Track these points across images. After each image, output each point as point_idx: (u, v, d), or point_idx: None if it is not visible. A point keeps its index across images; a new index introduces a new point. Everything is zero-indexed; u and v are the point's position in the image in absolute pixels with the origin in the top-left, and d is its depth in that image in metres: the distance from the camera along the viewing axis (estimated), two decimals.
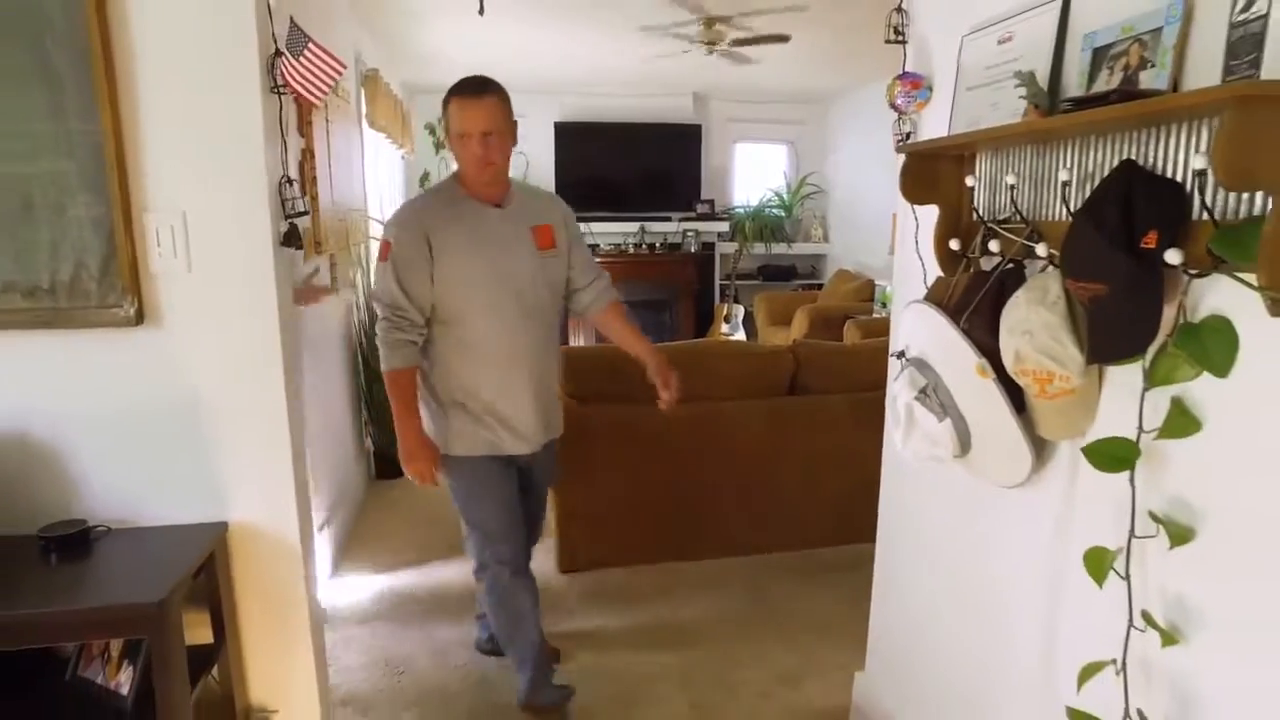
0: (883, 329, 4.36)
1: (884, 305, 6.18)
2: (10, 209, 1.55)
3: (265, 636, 1.78)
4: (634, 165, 7.37)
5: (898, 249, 2.01)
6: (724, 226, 7.64)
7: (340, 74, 1.63)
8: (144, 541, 1.64)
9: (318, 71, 1.57)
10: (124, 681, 1.54)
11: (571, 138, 7.26)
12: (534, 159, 7.03)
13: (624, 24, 4.93)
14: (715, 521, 3.31)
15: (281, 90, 1.63)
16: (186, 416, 1.66)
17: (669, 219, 7.46)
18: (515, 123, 2.03)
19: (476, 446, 2.10)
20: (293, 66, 1.57)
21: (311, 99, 1.59)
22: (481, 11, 3.77)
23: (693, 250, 7.54)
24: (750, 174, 7.99)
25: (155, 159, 1.59)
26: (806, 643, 2.69)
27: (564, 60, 6.02)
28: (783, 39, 4.65)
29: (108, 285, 1.59)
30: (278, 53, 1.63)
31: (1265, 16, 0.88)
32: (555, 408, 2.25)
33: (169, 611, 1.40)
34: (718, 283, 7.81)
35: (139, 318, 1.61)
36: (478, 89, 1.95)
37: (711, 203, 7.66)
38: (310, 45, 1.56)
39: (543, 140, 7.11)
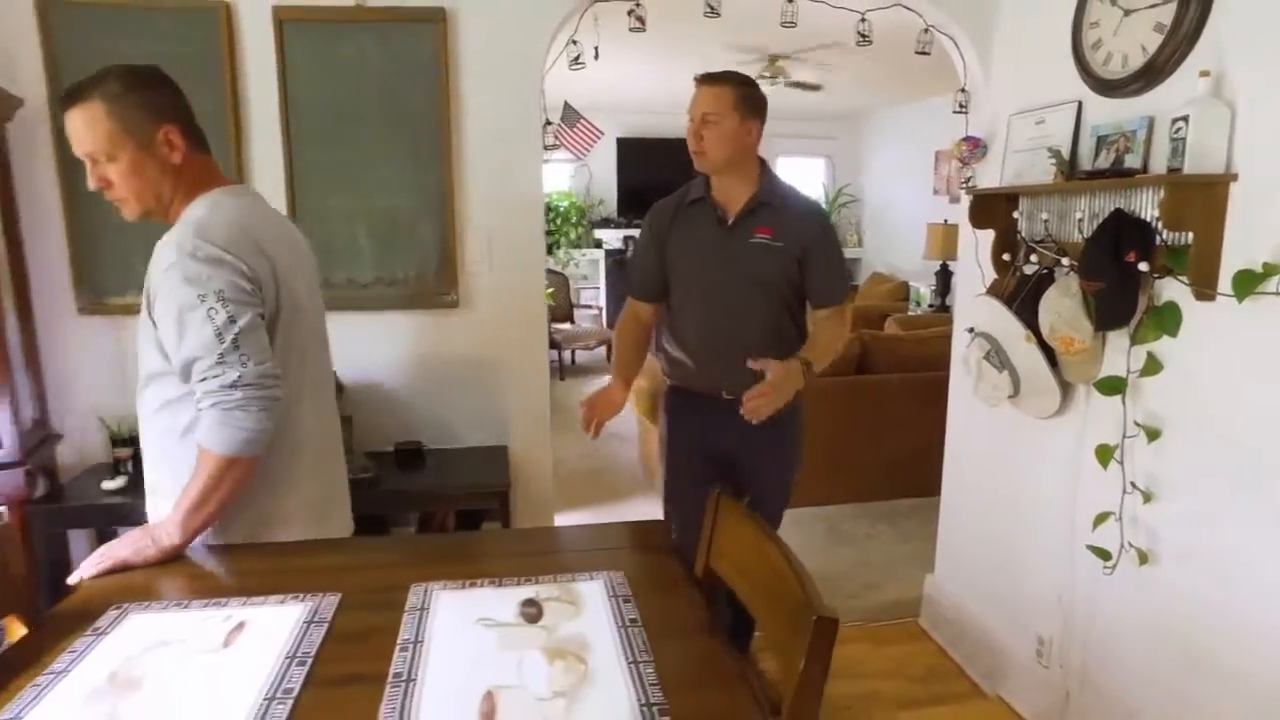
0: (921, 325, 5.12)
1: (918, 304, 6.94)
2: (385, 228, 2.37)
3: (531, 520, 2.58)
4: (689, 176, 8.14)
5: (961, 259, 2.77)
6: None
7: (599, 138, 2.44)
8: (457, 457, 2.44)
9: (585, 137, 2.37)
10: None
11: (632, 151, 8.05)
12: (598, 171, 7.85)
13: (694, 61, 5.72)
14: (798, 479, 4.08)
15: (551, 148, 2.43)
16: (484, 371, 2.47)
17: None
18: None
19: None
20: (568, 133, 2.37)
21: (579, 154, 2.39)
22: (597, 56, 4.58)
23: None
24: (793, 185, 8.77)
25: (473, 195, 2.40)
26: (881, 563, 3.46)
27: (626, 84, 6.81)
28: (815, 88, 5.43)
29: (441, 280, 2.41)
30: (547, 122, 2.43)
31: (1184, 138, 1.66)
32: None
33: (509, 490, 2.20)
34: None
35: (457, 303, 2.42)
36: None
37: None
38: (581, 119, 2.37)
39: (607, 154, 7.91)
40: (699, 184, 2.09)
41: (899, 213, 8.04)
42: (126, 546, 1.40)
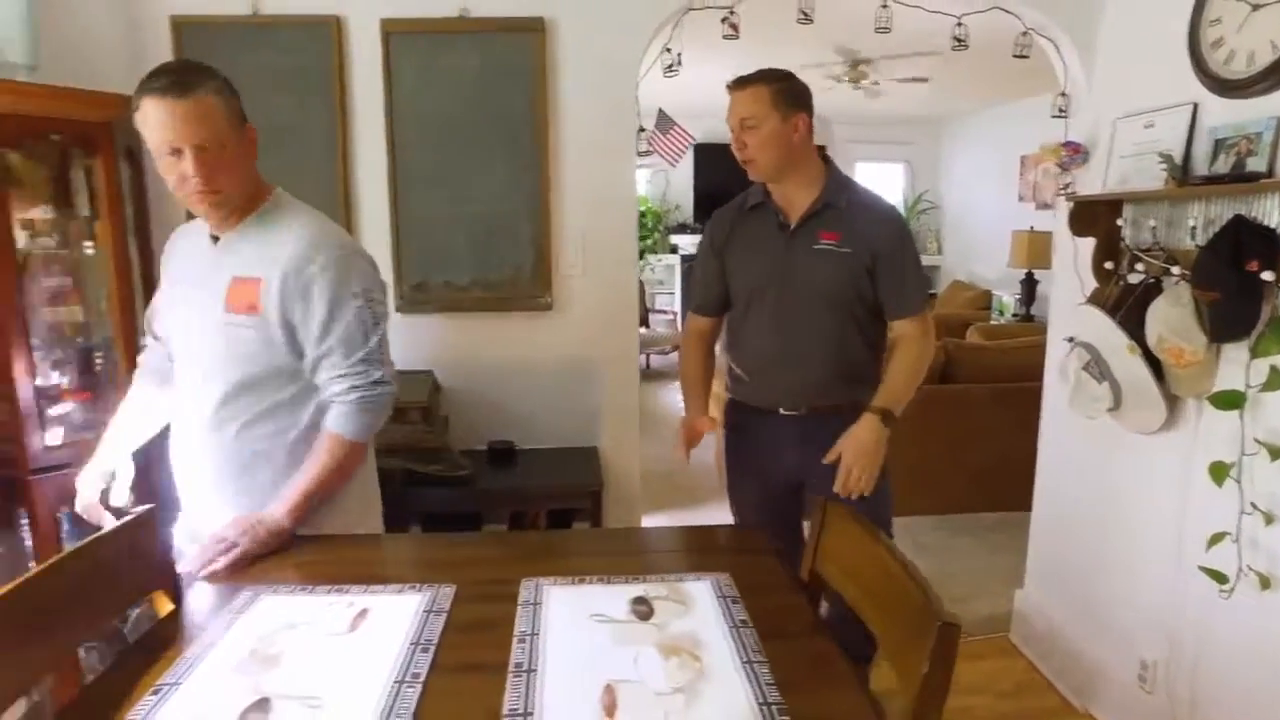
0: (1004, 334, 4.98)
1: (1001, 313, 6.76)
2: (482, 232, 2.45)
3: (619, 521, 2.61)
4: None
5: (1058, 267, 2.69)
6: None
7: (690, 144, 2.46)
8: (548, 457, 2.49)
9: (677, 143, 2.40)
10: None
11: (710, 157, 8.04)
12: (675, 176, 7.88)
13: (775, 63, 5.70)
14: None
15: (644, 153, 2.47)
16: (575, 373, 2.52)
17: None
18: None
19: None
20: (661, 139, 2.40)
21: (672, 161, 2.42)
22: (680, 63, 4.61)
23: None
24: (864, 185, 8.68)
25: (568, 201, 2.46)
26: (966, 577, 3.38)
27: (704, 89, 6.80)
28: (921, 80, 5.34)
29: (534, 283, 2.47)
30: (641, 129, 2.47)
31: None
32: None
33: (601, 491, 2.24)
34: None
35: (551, 305, 2.47)
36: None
37: None
38: (674, 126, 2.39)
39: (684, 159, 7.94)
40: (758, 189, 1.97)
41: (981, 219, 7.84)
42: (243, 536, 1.40)
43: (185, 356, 1.54)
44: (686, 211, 8.26)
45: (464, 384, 2.50)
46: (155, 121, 1.34)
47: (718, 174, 8.08)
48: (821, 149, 1.94)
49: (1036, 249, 6.12)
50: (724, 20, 2.51)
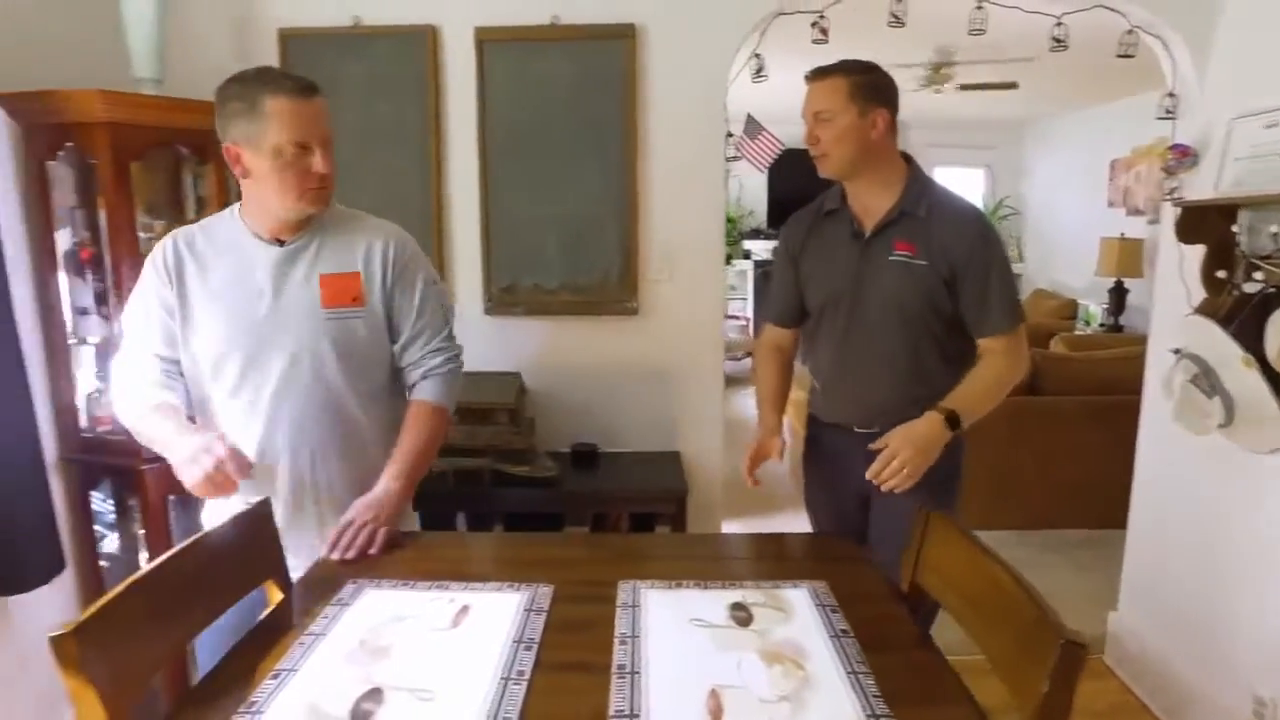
0: (1092, 345, 4.78)
1: (1088, 323, 6.51)
2: (571, 237, 2.48)
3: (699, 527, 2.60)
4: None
5: (1160, 276, 2.58)
6: None
7: (779, 149, 2.45)
8: (631, 461, 2.51)
9: (765, 148, 2.38)
10: None
11: (783, 161, 7.95)
12: (748, 181, 7.84)
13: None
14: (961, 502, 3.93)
15: (733, 159, 2.46)
16: (660, 378, 2.53)
17: None
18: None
19: None
20: (749, 145, 2.39)
21: (759, 167, 2.41)
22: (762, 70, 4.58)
23: None
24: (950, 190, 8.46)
25: (656, 206, 2.47)
26: (1057, 596, 3.21)
27: (778, 92, 6.75)
28: (1012, 86, 5.18)
29: (621, 288, 2.49)
30: (729, 134, 2.46)
31: None
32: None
33: (686, 496, 2.24)
34: None
35: (638, 310, 2.48)
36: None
37: None
38: (763, 131, 2.38)
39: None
40: (835, 192, 1.86)
41: (1065, 226, 7.57)
42: (380, 517, 1.46)
43: (250, 358, 1.50)
44: (760, 216, 8.22)
45: (549, 386, 2.53)
46: (286, 118, 1.40)
47: (792, 179, 7.98)
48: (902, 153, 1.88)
49: (1127, 256, 5.87)
50: (814, 25, 2.48)
